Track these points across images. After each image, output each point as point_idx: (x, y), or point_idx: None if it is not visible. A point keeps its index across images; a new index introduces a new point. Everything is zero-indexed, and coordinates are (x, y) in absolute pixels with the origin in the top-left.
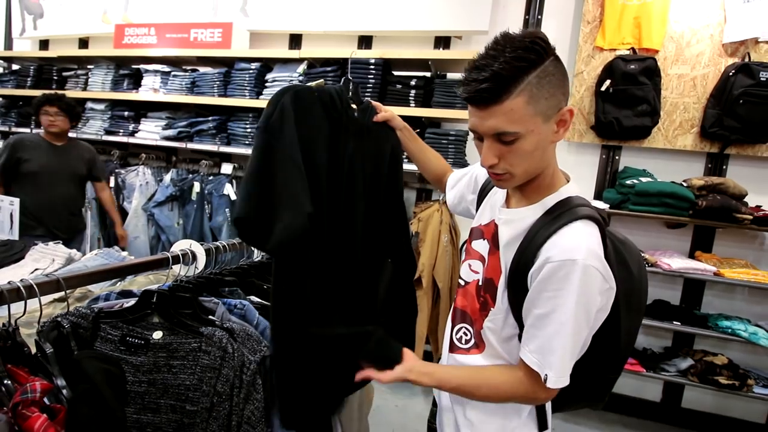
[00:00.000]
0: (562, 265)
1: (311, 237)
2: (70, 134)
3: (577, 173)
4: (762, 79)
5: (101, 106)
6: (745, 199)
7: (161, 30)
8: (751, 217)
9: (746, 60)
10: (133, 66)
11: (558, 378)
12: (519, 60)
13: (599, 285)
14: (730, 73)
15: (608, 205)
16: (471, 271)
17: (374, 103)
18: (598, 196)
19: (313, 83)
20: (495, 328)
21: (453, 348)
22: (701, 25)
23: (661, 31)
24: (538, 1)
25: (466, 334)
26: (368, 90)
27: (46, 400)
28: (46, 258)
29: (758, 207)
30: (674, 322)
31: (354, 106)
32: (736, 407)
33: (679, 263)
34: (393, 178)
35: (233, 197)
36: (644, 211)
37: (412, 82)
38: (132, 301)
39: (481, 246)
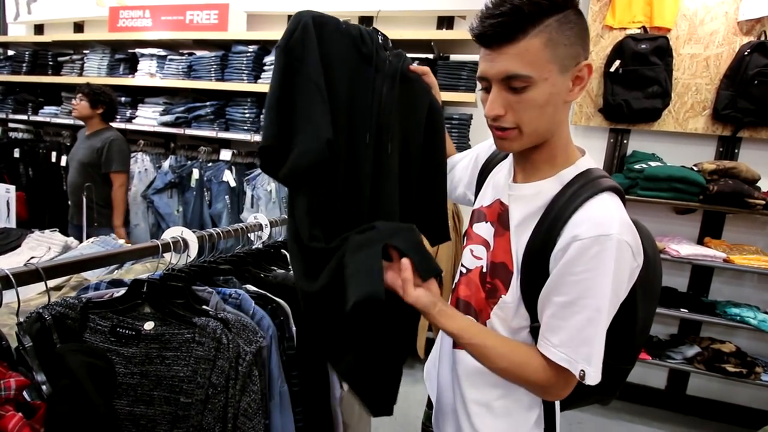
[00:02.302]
0: (595, 241)
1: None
2: (114, 125)
3: None
4: None
5: None
6: (758, 184)
7: (156, 12)
8: (763, 202)
9: (762, 38)
10: (129, 50)
11: (597, 372)
12: None
13: (630, 264)
14: (745, 53)
15: None
16: (473, 257)
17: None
18: None
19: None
20: (505, 318)
21: (456, 343)
22: (715, 2)
23: (673, 8)
24: None
25: None
26: None
27: (27, 395)
28: (42, 246)
29: None
30: (681, 309)
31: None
32: (742, 394)
33: (687, 250)
34: (432, 143)
35: (233, 184)
36: (653, 197)
37: (414, 64)
38: (122, 291)
39: (484, 229)
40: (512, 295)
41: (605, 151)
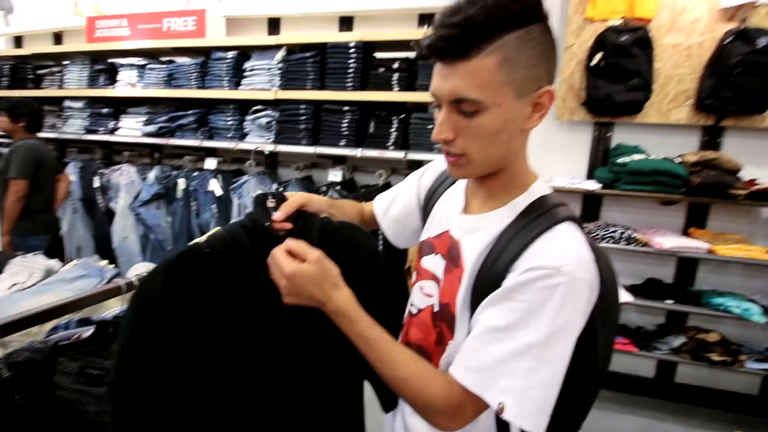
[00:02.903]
0: (547, 274)
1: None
2: (44, 134)
3: (569, 152)
4: (759, 45)
5: (79, 104)
6: (742, 172)
7: (133, 20)
8: (745, 192)
9: (743, 25)
10: (109, 60)
11: (524, 414)
12: (500, 10)
13: (584, 303)
14: (727, 41)
15: (600, 185)
16: (424, 295)
17: (290, 199)
18: (590, 175)
19: (201, 238)
20: None
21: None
22: None
23: None
24: None
25: None
26: (350, 75)
27: None
28: (24, 271)
29: (753, 181)
30: (667, 301)
31: (279, 226)
32: (729, 380)
33: (671, 242)
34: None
35: (219, 193)
36: (637, 190)
37: (395, 65)
38: (90, 330)
39: (433, 263)
40: (458, 340)
41: (590, 144)
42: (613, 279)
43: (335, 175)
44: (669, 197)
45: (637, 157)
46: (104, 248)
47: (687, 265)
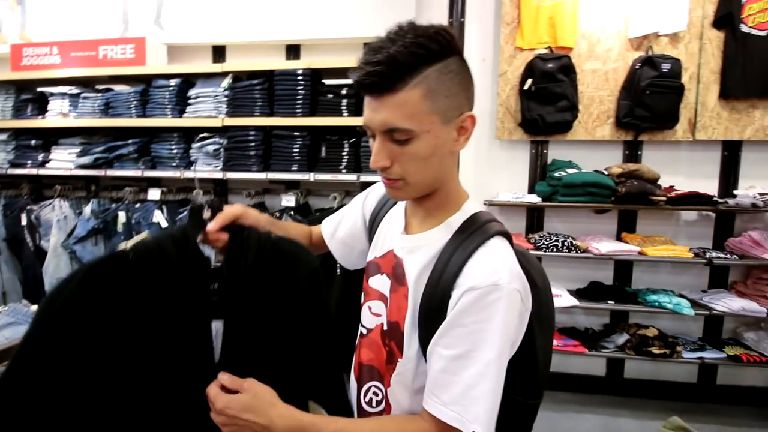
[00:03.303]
0: (487, 291)
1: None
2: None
3: (511, 169)
4: (664, 70)
5: (3, 136)
6: (661, 180)
7: (65, 48)
8: (665, 198)
9: (650, 53)
10: (37, 89)
11: None
12: (419, 47)
13: (519, 310)
14: (637, 66)
15: (541, 198)
16: (372, 315)
17: (226, 210)
18: (531, 189)
19: (128, 242)
20: (404, 382)
21: (361, 413)
22: (609, 23)
23: (573, 29)
24: (459, 4)
25: (377, 394)
26: (299, 101)
27: None
28: None
29: (671, 187)
30: (608, 302)
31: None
32: (671, 371)
33: (607, 247)
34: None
35: (164, 224)
36: (572, 201)
37: (343, 91)
38: None
39: (380, 282)
40: (407, 357)
41: (529, 161)
42: (545, 284)
43: (288, 200)
44: (601, 206)
45: (570, 171)
46: (34, 291)
47: (623, 267)
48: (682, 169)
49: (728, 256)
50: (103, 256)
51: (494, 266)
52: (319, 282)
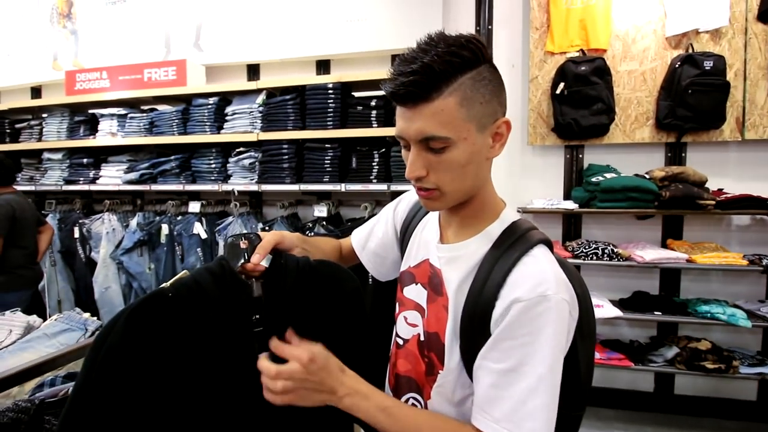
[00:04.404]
0: (535, 303)
1: None
2: (20, 188)
3: (545, 175)
4: (706, 68)
5: (58, 156)
6: (708, 183)
7: (114, 73)
8: (714, 201)
9: (690, 51)
10: (89, 111)
11: None
12: (453, 55)
13: (568, 321)
14: (677, 65)
15: (577, 204)
16: (408, 325)
17: (264, 239)
18: (567, 195)
19: (167, 283)
20: (446, 393)
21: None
22: (644, 22)
23: (606, 30)
24: (486, 11)
25: (416, 406)
26: (329, 114)
27: None
28: (3, 329)
29: (720, 190)
30: (655, 312)
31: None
32: (727, 388)
33: (651, 254)
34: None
35: (204, 236)
36: (612, 207)
37: (373, 103)
38: None
39: (415, 293)
40: (449, 369)
41: (563, 167)
42: (584, 293)
43: (320, 211)
44: (643, 212)
45: (608, 175)
46: (85, 300)
47: (670, 275)
48: (730, 170)
49: None
50: (143, 297)
51: (540, 276)
52: (361, 301)
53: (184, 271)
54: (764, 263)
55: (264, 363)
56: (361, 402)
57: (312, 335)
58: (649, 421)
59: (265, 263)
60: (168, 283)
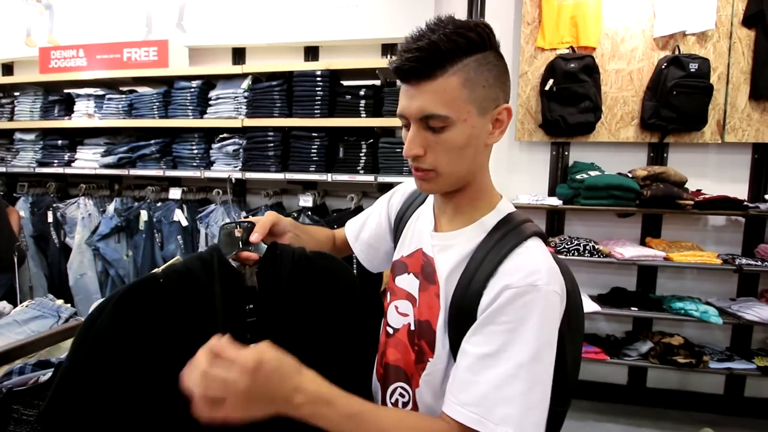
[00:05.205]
0: (523, 291)
1: None
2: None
3: (531, 171)
4: (691, 70)
5: (31, 137)
6: (688, 184)
7: (91, 51)
8: (692, 202)
9: (676, 53)
10: (64, 90)
11: None
12: (460, 36)
13: (557, 313)
14: (663, 66)
15: (561, 201)
16: (399, 315)
17: (262, 219)
18: (551, 191)
19: (159, 269)
20: (433, 382)
21: None
22: (633, 21)
23: (596, 28)
24: (478, 4)
25: (404, 396)
26: (317, 103)
27: None
28: None
29: (699, 191)
30: (632, 308)
31: (248, 259)
32: (696, 382)
33: (631, 251)
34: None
35: (184, 223)
36: (595, 205)
37: (362, 92)
38: (48, 374)
39: (407, 282)
40: (439, 356)
41: (549, 163)
42: (574, 289)
43: (306, 201)
44: (625, 209)
45: (593, 173)
46: (59, 287)
47: (647, 272)
48: (710, 172)
49: (759, 262)
50: (134, 282)
51: (532, 266)
52: (357, 296)
53: (177, 257)
54: (737, 263)
55: (198, 358)
56: (322, 409)
57: (305, 327)
58: (621, 413)
59: (259, 253)
60: (160, 269)
